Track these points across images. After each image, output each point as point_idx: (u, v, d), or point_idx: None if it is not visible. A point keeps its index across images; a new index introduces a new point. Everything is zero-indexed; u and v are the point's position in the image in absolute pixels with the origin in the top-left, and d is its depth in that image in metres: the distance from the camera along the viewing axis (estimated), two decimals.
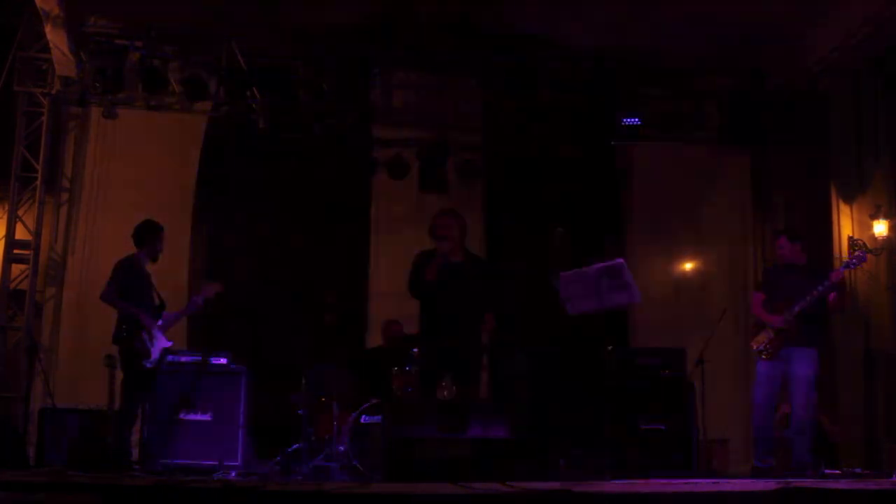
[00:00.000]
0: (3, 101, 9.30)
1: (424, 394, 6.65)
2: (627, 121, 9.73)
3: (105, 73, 8.97)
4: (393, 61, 9.91)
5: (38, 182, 9.39)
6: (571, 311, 7.38)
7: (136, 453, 7.40)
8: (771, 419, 7.21)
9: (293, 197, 10.08)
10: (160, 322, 7.13)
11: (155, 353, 7.01)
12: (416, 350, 8.36)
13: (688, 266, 10.50)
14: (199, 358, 7.68)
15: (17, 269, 9.34)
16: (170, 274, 8.98)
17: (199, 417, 7.51)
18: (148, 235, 7.21)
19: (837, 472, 7.33)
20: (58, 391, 8.59)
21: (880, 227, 9.02)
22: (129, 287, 7.04)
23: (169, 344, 7.16)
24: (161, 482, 5.97)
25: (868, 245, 9.00)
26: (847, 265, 7.06)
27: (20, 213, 9.39)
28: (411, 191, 10.15)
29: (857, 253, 7.16)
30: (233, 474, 6.81)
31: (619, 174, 10.62)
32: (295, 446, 7.61)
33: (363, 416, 7.70)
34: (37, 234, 9.35)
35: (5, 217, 9.34)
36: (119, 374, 7.08)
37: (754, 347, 7.31)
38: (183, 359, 7.70)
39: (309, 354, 7.56)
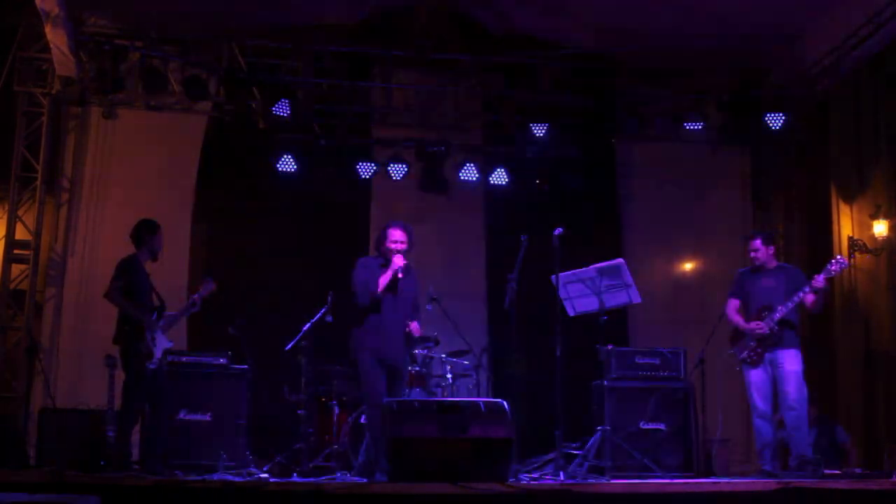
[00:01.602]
0: (3, 101, 9.30)
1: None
2: (627, 120, 9.72)
3: (105, 73, 8.97)
4: (393, 61, 9.91)
5: (38, 182, 9.39)
6: (571, 312, 7.39)
7: (136, 453, 7.39)
8: (773, 423, 7.21)
9: (293, 197, 10.08)
10: (161, 323, 7.12)
11: (157, 354, 7.00)
12: (416, 350, 8.41)
13: (687, 266, 10.51)
14: (199, 358, 7.69)
15: (17, 269, 9.34)
16: (170, 274, 8.96)
17: (199, 417, 7.51)
18: (146, 234, 7.20)
19: (837, 472, 7.33)
20: (58, 391, 8.59)
21: (880, 227, 9.02)
22: (131, 286, 7.04)
23: (170, 345, 7.15)
24: (161, 482, 5.98)
25: (868, 245, 9.04)
26: (827, 272, 7.04)
27: (20, 213, 9.39)
28: (411, 191, 10.15)
29: (838, 258, 7.15)
30: (233, 474, 6.81)
31: (619, 174, 10.62)
32: (295, 446, 7.61)
33: (363, 416, 7.71)
34: (37, 234, 9.36)
35: (5, 217, 9.34)
36: (119, 374, 7.08)
37: (738, 356, 7.28)
38: (183, 359, 7.70)
39: (309, 354, 7.57)
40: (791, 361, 7.08)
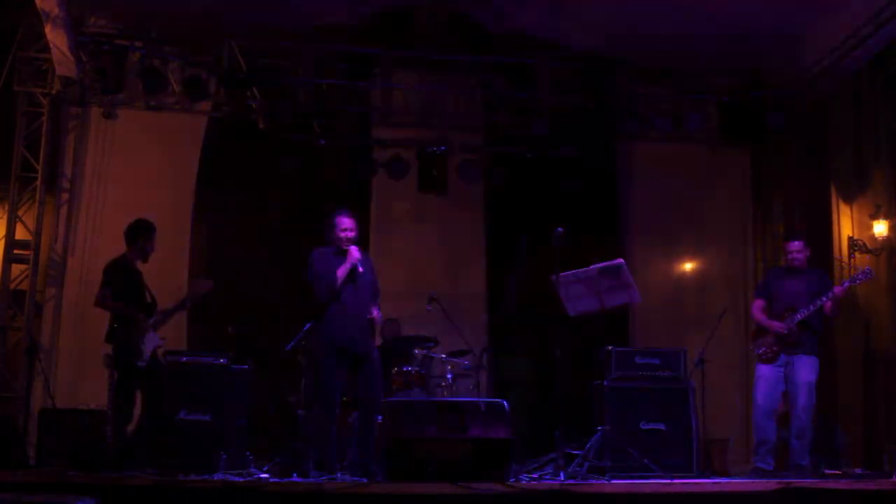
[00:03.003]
0: (3, 101, 9.31)
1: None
2: (627, 120, 9.71)
3: (105, 73, 8.96)
4: (393, 61, 9.91)
5: (38, 182, 9.40)
6: (571, 312, 7.39)
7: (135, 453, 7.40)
8: (772, 420, 7.23)
9: (293, 197, 10.08)
10: (151, 321, 7.12)
11: (147, 352, 7.01)
12: (416, 350, 8.41)
13: (688, 266, 10.50)
14: (199, 358, 7.69)
15: (17, 269, 9.34)
16: (170, 273, 9.00)
17: (199, 417, 7.51)
18: (140, 235, 7.21)
19: (837, 472, 7.33)
20: (58, 391, 8.59)
21: (880, 227, 9.02)
22: (121, 288, 7.06)
23: (161, 342, 7.15)
24: (161, 482, 5.98)
25: (868, 245, 9.04)
26: (854, 279, 7.09)
27: (20, 213, 9.39)
28: (411, 191, 10.15)
29: (865, 269, 7.18)
30: (233, 474, 6.81)
31: (619, 174, 10.62)
32: (295, 446, 7.60)
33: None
34: (37, 234, 9.36)
35: (5, 217, 9.34)
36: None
37: (755, 351, 7.34)
38: (183, 359, 7.70)
39: (309, 354, 7.56)
40: (807, 371, 7.13)
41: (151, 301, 7.24)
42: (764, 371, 7.24)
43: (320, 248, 6.86)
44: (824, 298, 7.08)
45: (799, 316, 7.13)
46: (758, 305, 7.47)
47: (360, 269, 6.72)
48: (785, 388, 7.25)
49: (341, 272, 6.66)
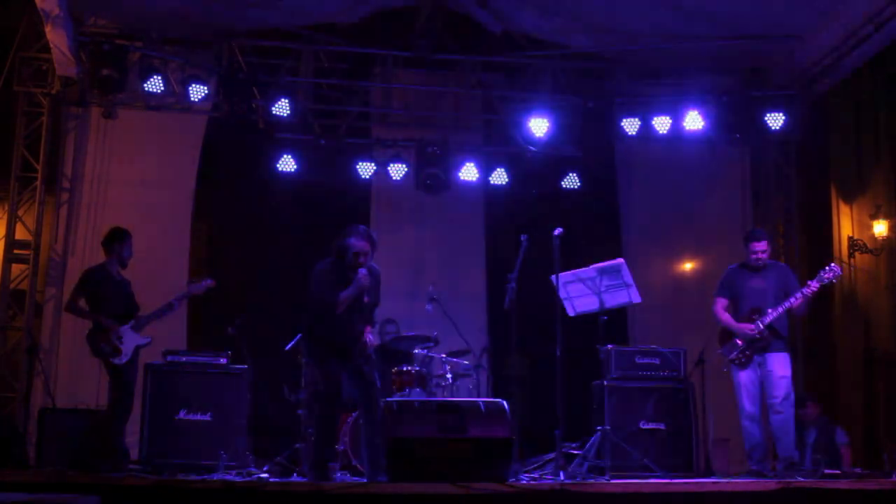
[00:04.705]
0: (3, 101, 9.31)
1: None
2: (627, 120, 9.71)
3: (105, 73, 8.95)
4: (393, 61, 9.91)
5: (38, 182, 9.40)
6: (571, 312, 7.39)
7: (135, 453, 7.41)
8: (760, 424, 7.20)
9: (293, 197, 10.08)
10: (132, 323, 7.14)
11: (127, 350, 7.04)
12: (416, 350, 8.41)
13: (687, 266, 10.50)
14: (199, 358, 7.71)
15: (17, 269, 9.34)
16: (170, 274, 9.00)
17: (199, 417, 7.51)
18: (115, 244, 7.27)
19: (837, 472, 7.33)
20: (58, 391, 8.61)
21: (880, 227, 9.04)
22: (95, 296, 7.13)
23: (145, 341, 7.16)
24: (161, 482, 5.98)
25: (868, 245, 9.05)
26: (820, 279, 6.99)
27: (20, 213, 9.40)
28: (411, 191, 10.14)
29: (831, 265, 7.10)
30: (233, 474, 6.81)
31: (618, 174, 10.62)
32: (295, 446, 7.61)
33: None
34: (37, 234, 9.36)
35: (5, 217, 9.35)
36: None
37: (727, 356, 7.25)
38: (183, 359, 7.71)
39: (308, 354, 7.55)
40: (781, 366, 7.08)
41: (130, 307, 7.26)
42: (742, 377, 7.18)
43: (326, 265, 6.46)
44: (792, 300, 7.02)
45: (768, 318, 7.05)
46: (721, 304, 7.35)
47: (367, 300, 6.43)
48: (762, 388, 7.19)
49: (345, 296, 6.30)
